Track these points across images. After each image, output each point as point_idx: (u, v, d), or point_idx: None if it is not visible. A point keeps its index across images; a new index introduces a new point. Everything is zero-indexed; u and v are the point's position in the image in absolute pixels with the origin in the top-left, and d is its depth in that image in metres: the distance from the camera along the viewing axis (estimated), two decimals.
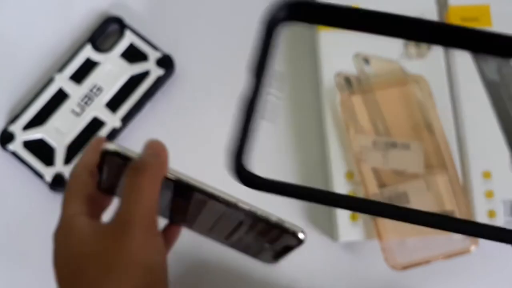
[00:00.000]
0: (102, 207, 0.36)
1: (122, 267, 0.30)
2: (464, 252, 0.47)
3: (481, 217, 0.49)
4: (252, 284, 0.50)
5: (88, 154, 0.35)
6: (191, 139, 0.53)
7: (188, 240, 0.40)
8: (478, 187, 0.49)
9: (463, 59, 0.52)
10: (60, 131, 0.52)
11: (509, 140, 0.50)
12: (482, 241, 0.48)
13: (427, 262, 0.47)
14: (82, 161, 0.35)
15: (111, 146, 0.32)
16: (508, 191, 0.49)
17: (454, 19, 0.53)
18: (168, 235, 0.38)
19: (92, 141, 0.36)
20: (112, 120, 0.52)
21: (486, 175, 0.50)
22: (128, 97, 0.53)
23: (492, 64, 0.52)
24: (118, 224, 0.31)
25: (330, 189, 0.51)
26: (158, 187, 0.32)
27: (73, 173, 0.35)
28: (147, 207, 0.31)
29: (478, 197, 0.49)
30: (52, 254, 0.33)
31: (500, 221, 0.48)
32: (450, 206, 0.48)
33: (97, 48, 0.54)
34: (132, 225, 0.31)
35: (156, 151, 0.33)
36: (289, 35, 0.56)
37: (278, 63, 0.54)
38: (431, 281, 0.51)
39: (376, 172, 0.48)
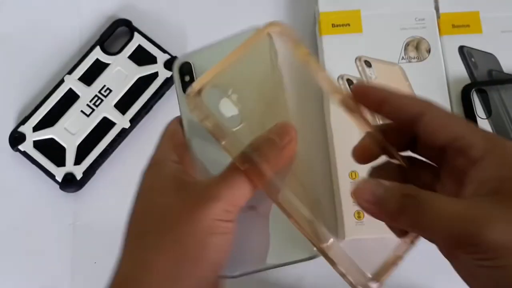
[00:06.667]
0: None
1: (184, 234, 0.28)
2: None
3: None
4: (257, 282, 0.50)
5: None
6: None
7: None
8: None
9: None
10: (70, 131, 0.52)
11: None
12: None
13: None
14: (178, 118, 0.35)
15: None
16: None
17: (445, 27, 0.54)
18: None
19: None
20: (121, 121, 0.52)
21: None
22: (137, 98, 0.53)
23: (483, 68, 0.52)
24: (202, 195, 0.29)
25: (335, 188, 0.51)
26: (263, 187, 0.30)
27: (168, 124, 0.35)
28: (237, 198, 0.29)
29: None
30: (136, 189, 0.32)
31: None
32: None
33: (106, 50, 0.54)
34: (213, 207, 0.28)
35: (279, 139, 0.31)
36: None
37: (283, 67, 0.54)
38: (442, 278, 0.50)
39: None
